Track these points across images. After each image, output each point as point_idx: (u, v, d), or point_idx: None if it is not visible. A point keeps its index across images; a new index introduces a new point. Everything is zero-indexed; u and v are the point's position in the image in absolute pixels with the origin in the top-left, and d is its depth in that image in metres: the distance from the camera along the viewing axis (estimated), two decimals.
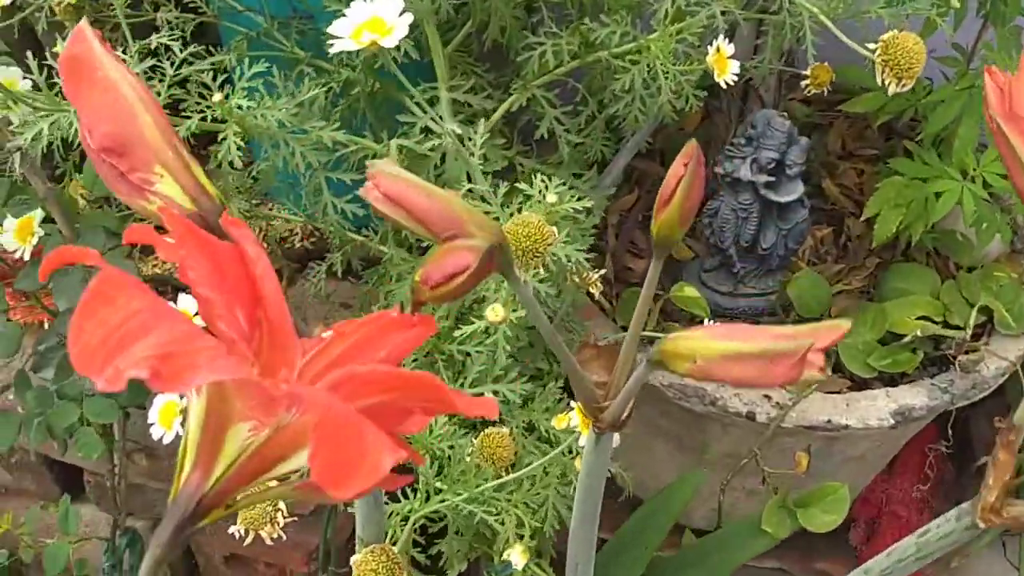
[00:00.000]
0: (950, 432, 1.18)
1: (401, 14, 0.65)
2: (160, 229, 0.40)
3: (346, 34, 0.66)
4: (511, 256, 0.49)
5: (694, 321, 1.16)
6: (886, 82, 0.70)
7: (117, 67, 0.42)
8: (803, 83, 1.01)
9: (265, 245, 1.22)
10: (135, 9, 1.00)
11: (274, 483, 0.37)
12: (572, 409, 0.73)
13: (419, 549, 0.76)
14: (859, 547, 1.38)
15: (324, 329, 0.49)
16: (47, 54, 0.82)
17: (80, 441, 0.89)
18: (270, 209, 1.15)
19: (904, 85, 0.70)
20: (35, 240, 0.92)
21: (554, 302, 0.87)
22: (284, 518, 0.69)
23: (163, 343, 0.32)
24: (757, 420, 1.08)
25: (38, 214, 0.91)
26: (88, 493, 1.19)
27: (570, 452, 0.80)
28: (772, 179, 1.07)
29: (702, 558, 1.04)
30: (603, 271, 0.88)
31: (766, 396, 1.09)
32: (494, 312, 0.68)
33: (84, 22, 0.43)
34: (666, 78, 0.87)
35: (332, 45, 0.67)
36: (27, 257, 0.92)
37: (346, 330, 0.43)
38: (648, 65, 0.88)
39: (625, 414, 0.57)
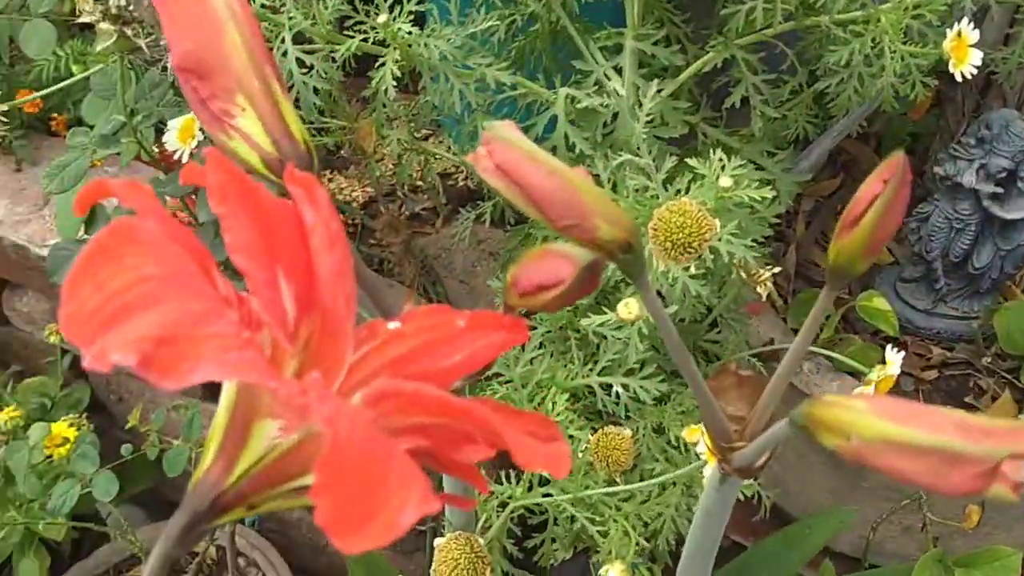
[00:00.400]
0: None
1: None
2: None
3: None
4: (643, 258, 0.40)
5: (877, 336, 1.02)
6: None
7: None
8: None
9: (425, 180, 1.17)
10: None
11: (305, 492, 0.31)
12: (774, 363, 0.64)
13: (513, 541, 0.70)
14: None
15: (409, 306, 0.42)
16: None
17: None
18: (436, 143, 1.10)
19: None
20: (195, 143, 0.90)
21: (712, 297, 0.77)
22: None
23: (166, 323, 0.26)
24: None
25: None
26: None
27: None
28: (1000, 191, 0.91)
29: None
30: (776, 269, 0.77)
31: None
32: (627, 309, 0.59)
33: None
34: (892, 57, 0.74)
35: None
36: (185, 159, 0.90)
37: (417, 324, 0.36)
38: (873, 40, 0.75)
39: (759, 463, 0.48)
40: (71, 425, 1.10)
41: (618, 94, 0.65)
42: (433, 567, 0.59)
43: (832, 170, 1.19)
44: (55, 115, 1.26)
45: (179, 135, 0.91)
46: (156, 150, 0.90)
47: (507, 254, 0.93)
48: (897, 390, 0.98)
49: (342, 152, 1.30)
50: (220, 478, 0.31)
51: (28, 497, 1.03)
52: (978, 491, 0.31)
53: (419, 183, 1.21)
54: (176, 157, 0.91)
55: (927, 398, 1.01)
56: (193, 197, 0.85)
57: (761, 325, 0.98)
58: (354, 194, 1.28)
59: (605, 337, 0.73)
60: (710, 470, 0.58)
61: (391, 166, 1.17)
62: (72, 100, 1.24)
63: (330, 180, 1.30)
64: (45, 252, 1.15)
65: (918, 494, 0.96)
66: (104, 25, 0.67)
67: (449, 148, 0.97)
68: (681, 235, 0.54)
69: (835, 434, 0.34)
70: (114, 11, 0.68)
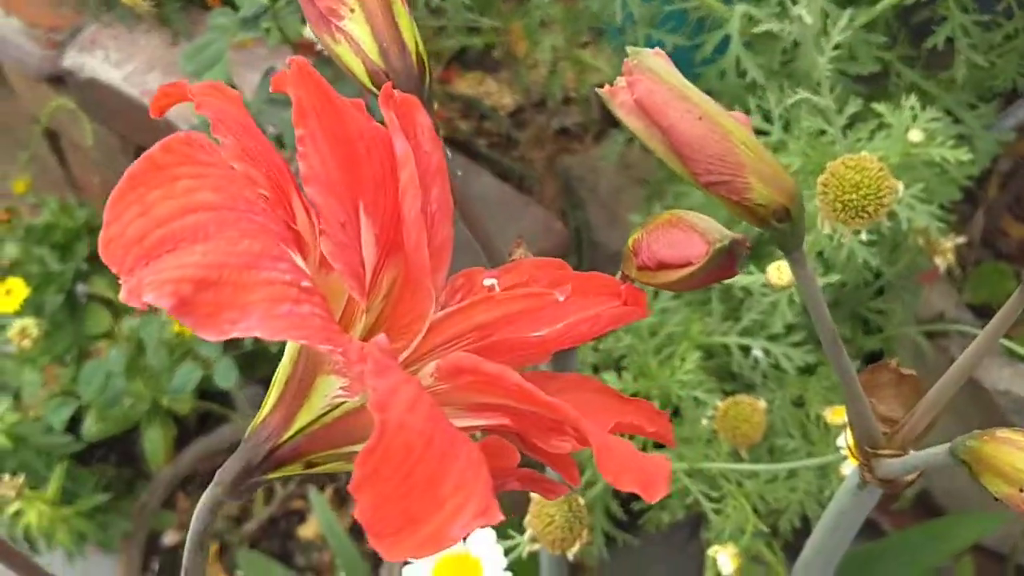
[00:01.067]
0: None
1: None
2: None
3: None
4: (801, 229, 0.33)
5: None
6: None
7: None
8: None
9: (578, 93, 1.10)
10: None
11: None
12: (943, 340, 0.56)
13: (620, 502, 0.65)
14: None
15: (516, 254, 0.36)
16: None
17: None
18: (594, 53, 1.02)
19: None
20: None
21: (884, 263, 0.68)
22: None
23: (212, 263, 0.21)
24: None
25: None
26: None
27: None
28: None
29: None
30: (961, 239, 0.67)
31: None
32: (779, 273, 0.51)
33: None
34: None
35: None
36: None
37: (517, 281, 0.30)
38: None
39: (908, 479, 0.40)
40: None
41: (803, 20, 0.56)
42: (527, 519, 0.55)
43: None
44: None
45: None
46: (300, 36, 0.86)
47: (655, 184, 0.85)
48: None
49: (495, 53, 1.23)
50: (277, 430, 0.27)
51: (156, 370, 1.06)
52: None
53: (572, 95, 1.13)
54: (317, 48, 0.88)
55: None
56: None
57: (932, 295, 0.87)
58: (503, 100, 1.21)
59: (751, 293, 0.65)
60: (849, 468, 0.51)
61: (544, 73, 1.10)
62: None
63: (480, 83, 1.24)
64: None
65: None
66: None
67: (608, 60, 0.89)
68: (855, 196, 0.46)
69: (1006, 482, 0.27)
70: None
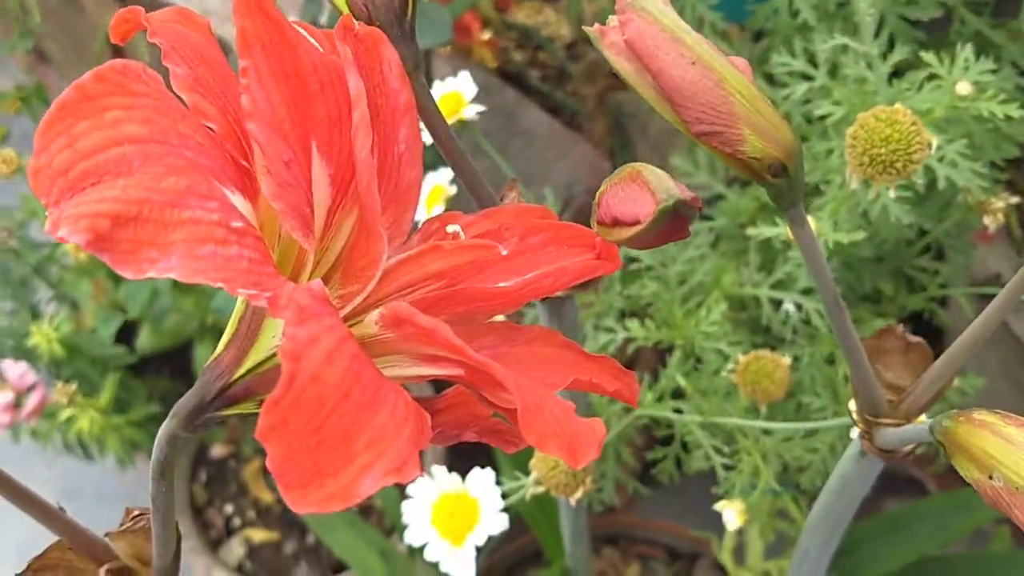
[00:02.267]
0: None
1: None
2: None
3: None
4: (799, 185, 0.31)
5: None
6: None
7: None
8: None
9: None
10: None
11: None
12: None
13: (633, 450, 0.64)
14: None
15: (509, 198, 0.35)
16: None
17: None
18: None
19: None
20: None
21: (929, 221, 0.65)
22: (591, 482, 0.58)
23: (134, 197, 0.21)
24: None
25: None
26: None
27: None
28: None
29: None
30: (1014, 200, 0.64)
31: None
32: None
33: None
34: None
35: None
36: None
37: (486, 229, 0.29)
38: None
39: (907, 450, 0.39)
40: None
41: None
42: (532, 461, 0.55)
43: None
44: None
45: None
46: None
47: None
48: None
49: None
50: (229, 368, 0.27)
51: (204, 287, 1.08)
52: None
53: None
54: None
55: None
56: None
57: (989, 256, 0.83)
58: (560, 31, 1.19)
59: (790, 246, 0.63)
60: (856, 433, 0.50)
61: (602, 4, 1.07)
62: None
63: (538, 12, 1.21)
64: None
65: None
66: None
67: None
68: (884, 150, 0.43)
69: (976, 466, 0.26)
70: None
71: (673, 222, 0.22)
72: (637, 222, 0.23)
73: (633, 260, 0.64)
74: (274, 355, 0.27)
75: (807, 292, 0.64)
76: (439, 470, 0.52)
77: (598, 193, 0.26)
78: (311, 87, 0.25)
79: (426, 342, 0.24)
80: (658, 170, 0.23)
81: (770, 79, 0.68)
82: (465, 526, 0.51)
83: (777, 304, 0.65)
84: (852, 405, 0.55)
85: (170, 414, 0.28)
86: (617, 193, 0.24)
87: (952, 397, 0.65)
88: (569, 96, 1.08)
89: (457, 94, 0.63)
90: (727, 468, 0.57)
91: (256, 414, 0.29)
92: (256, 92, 0.23)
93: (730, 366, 0.59)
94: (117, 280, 1.06)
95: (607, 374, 0.28)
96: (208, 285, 0.21)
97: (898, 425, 0.38)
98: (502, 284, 0.27)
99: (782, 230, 0.54)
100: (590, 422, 0.23)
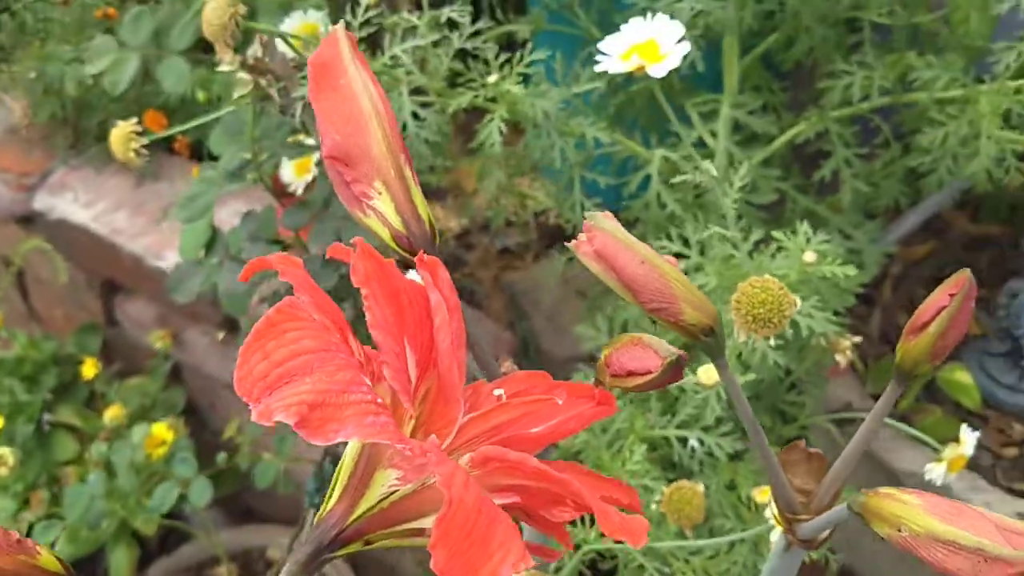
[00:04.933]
0: None
1: (679, 41, 0.60)
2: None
3: (616, 53, 0.61)
4: (723, 340, 0.43)
5: (960, 408, 1.02)
6: None
7: (361, 76, 0.41)
8: None
9: (517, 216, 1.22)
10: None
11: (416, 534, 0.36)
12: (849, 425, 0.66)
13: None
14: None
15: (505, 367, 0.46)
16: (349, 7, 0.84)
17: None
18: (532, 185, 1.14)
19: None
20: (309, 177, 0.96)
21: (792, 361, 0.79)
22: None
23: (318, 390, 0.30)
24: None
25: (315, 156, 0.95)
26: None
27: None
28: None
29: None
30: (857, 339, 0.79)
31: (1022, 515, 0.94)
32: (707, 375, 0.62)
33: (340, 25, 0.42)
34: (988, 140, 0.75)
35: (599, 62, 0.63)
36: (299, 192, 0.96)
37: (519, 389, 0.40)
38: (970, 121, 0.76)
39: (823, 536, 0.50)
40: (169, 427, 1.17)
41: (711, 172, 0.68)
42: None
43: (924, 235, 1.20)
44: (179, 136, 1.35)
45: (295, 170, 0.98)
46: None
47: (594, 298, 0.96)
48: (975, 465, 0.98)
49: (440, 183, 1.35)
50: (343, 517, 0.35)
51: (127, 491, 1.10)
52: None
53: (512, 219, 1.25)
54: (291, 189, 0.98)
55: (1005, 475, 1.00)
56: (305, 230, 0.91)
57: (839, 388, 0.99)
58: (450, 224, 1.33)
59: (684, 391, 0.76)
60: (777, 535, 0.61)
61: (487, 199, 1.22)
62: (199, 127, 1.32)
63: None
64: (159, 264, 1.24)
65: None
66: (241, 75, 0.74)
67: (545, 191, 1.01)
68: (762, 310, 0.57)
69: (887, 524, 0.37)
70: (251, 62, 0.74)
71: (675, 370, 0.34)
72: (649, 372, 0.34)
73: None
74: (380, 501, 0.36)
75: (706, 429, 0.76)
76: None
77: (604, 355, 0.37)
78: (403, 302, 0.35)
79: (508, 474, 0.34)
80: (653, 337, 0.35)
81: None
82: None
83: (684, 442, 0.77)
84: (769, 511, 0.66)
85: (288, 563, 0.36)
86: (625, 354, 0.35)
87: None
88: (466, 278, 1.21)
89: None
90: (665, 575, 0.67)
91: (358, 552, 0.37)
92: (375, 310, 0.34)
93: (657, 498, 0.70)
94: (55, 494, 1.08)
95: (621, 491, 0.38)
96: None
97: (811, 519, 0.49)
98: (535, 430, 0.38)
99: (687, 379, 0.67)
100: (637, 518, 0.33)
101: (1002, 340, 1.03)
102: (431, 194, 1.38)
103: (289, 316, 0.32)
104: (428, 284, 0.36)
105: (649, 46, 0.61)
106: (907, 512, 0.36)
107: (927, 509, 0.36)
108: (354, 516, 0.36)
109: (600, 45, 0.64)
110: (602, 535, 0.70)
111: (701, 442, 0.75)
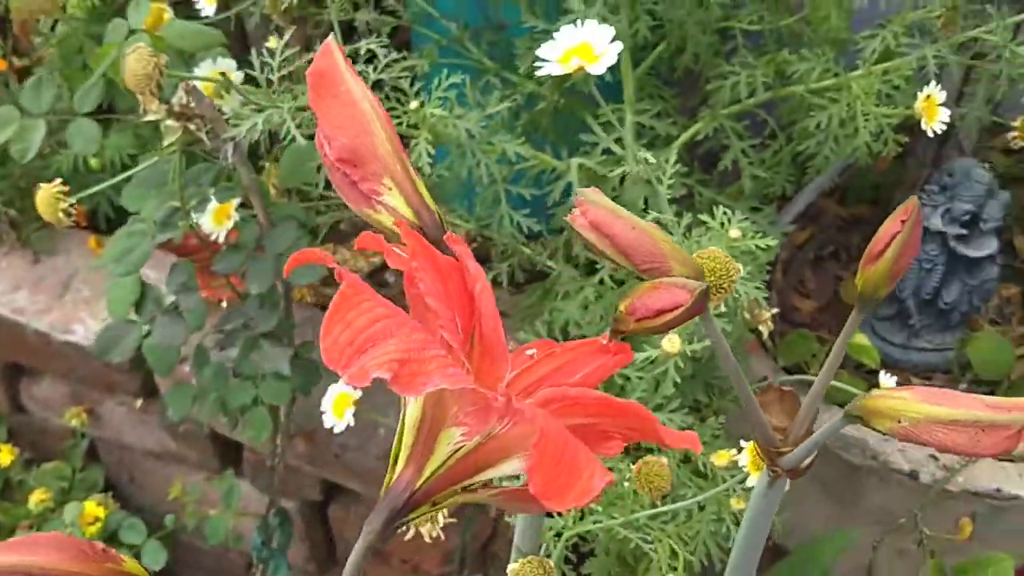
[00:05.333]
0: None
1: (612, 41, 0.66)
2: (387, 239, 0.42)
3: (554, 58, 0.67)
4: (708, 292, 0.48)
5: (860, 370, 1.12)
6: None
7: (358, 82, 0.44)
8: (1010, 135, 0.96)
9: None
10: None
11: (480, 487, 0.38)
12: (741, 449, 0.72)
13: (570, 566, 0.76)
14: None
15: (528, 346, 0.49)
16: (255, 51, 0.86)
17: (251, 420, 0.93)
18: (445, 211, 1.17)
19: None
20: (230, 224, 0.97)
21: (727, 337, 0.86)
22: (444, 518, 0.71)
23: (402, 349, 0.33)
24: (920, 480, 1.03)
25: (235, 201, 0.96)
26: (244, 470, 1.24)
27: (727, 490, 0.79)
28: (964, 232, 1.02)
29: None
30: (775, 311, 0.86)
31: (932, 456, 1.04)
32: (671, 343, 0.67)
33: (332, 38, 0.45)
34: (865, 119, 0.84)
35: (539, 68, 0.68)
36: (221, 239, 0.97)
37: (552, 351, 0.44)
38: (847, 104, 0.85)
39: (807, 463, 0.56)
40: (98, 504, 1.14)
41: (638, 161, 0.74)
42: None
43: (802, 222, 1.30)
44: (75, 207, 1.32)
45: (214, 219, 0.98)
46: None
47: (524, 311, 1.01)
48: None
49: (341, 226, 1.37)
50: (412, 480, 0.38)
51: None
52: (1008, 450, 0.39)
53: None
54: (212, 238, 0.98)
55: None
56: (240, 276, 0.92)
57: (755, 363, 1.06)
58: (359, 264, 1.35)
59: (629, 379, 0.81)
60: (755, 480, 0.66)
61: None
62: (93, 194, 1.30)
63: (334, 252, 1.37)
64: (68, 338, 1.21)
65: (913, 514, 1.05)
66: (170, 122, 0.75)
67: (464, 218, 1.05)
68: (714, 278, 0.62)
69: (887, 419, 0.42)
70: (178, 109, 0.76)
71: (703, 300, 0.38)
72: (679, 305, 0.38)
73: None
74: (447, 460, 0.38)
75: (658, 408, 0.81)
76: None
77: (623, 307, 0.41)
78: (445, 274, 0.39)
79: (568, 411, 0.37)
80: (675, 278, 0.39)
81: None
82: None
83: None
84: (744, 457, 0.72)
85: (364, 532, 0.38)
86: (650, 297, 0.39)
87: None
88: None
89: None
90: (647, 542, 0.71)
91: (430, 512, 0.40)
92: (427, 281, 0.37)
93: (628, 476, 0.74)
94: None
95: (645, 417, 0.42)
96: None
97: (791, 451, 0.54)
98: (572, 379, 0.42)
99: (649, 353, 0.72)
100: (687, 431, 0.37)
101: (889, 304, 1.13)
102: (329, 238, 1.40)
103: (359, 290, 0.35)
104: (464, 255, 0.39)
105: (583, 48, 0.66)
106: (904, 405, 0.42)
107: (921, 399, 0.42)
108: (422, 479, 0.39)
109: (538, 52, 0.70)
110: (580, 519, 0.74)
111: None
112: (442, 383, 0.33)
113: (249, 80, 0.83)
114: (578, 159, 0.88)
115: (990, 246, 1.02)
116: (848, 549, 1.04)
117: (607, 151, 0.90)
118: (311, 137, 0.85)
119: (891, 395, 0.43)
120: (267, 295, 0.85)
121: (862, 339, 1.06)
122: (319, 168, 0.90)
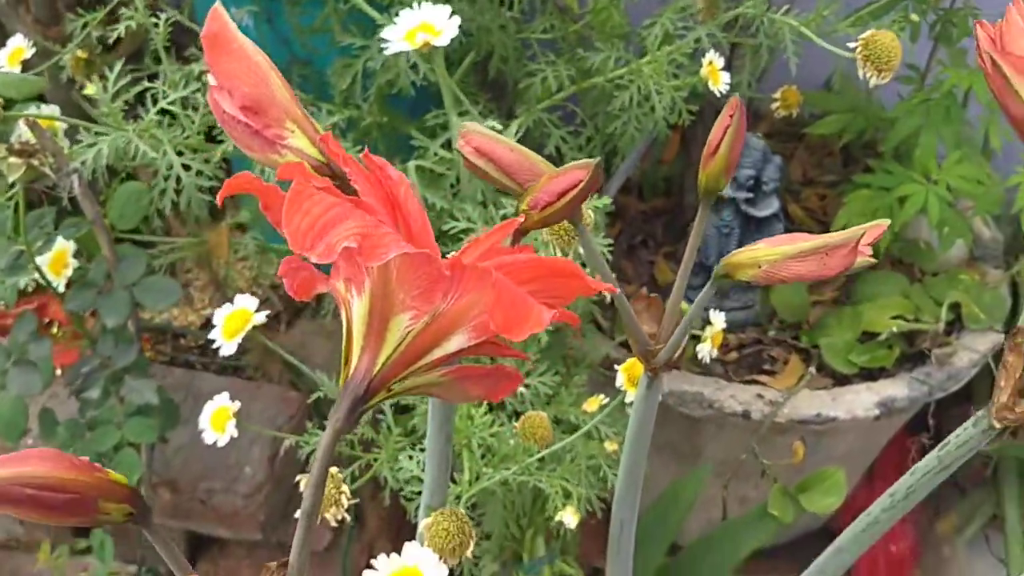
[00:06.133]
0: (931, 422, 1.25)
1: (450, 16, 0.73)
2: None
3: (398, 37, 0.72)
4: (583, 208, 0.56)
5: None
6: (867, 75, 0.80)
7: (247, 40, 0.49)
8: (773, 105, 1.11)
9: (258, 288, 1.27)
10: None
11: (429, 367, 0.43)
12: (615, 370, 0.79)
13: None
14: None
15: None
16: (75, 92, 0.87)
17: (120, 464, 0.91)
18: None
19: (884, 78, 0.79)
20: (69, 272, 0.95)
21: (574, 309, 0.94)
22: (348, 500, 0.73)
23: (359, 227, 0.38)
24: (752, 418, 1.15)
25: (70, 247, 0.95)
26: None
27: (600, 437, 0.86)
28: (751, 195, 1.16)
29: (712, 548, 1.09)
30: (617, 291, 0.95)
31: (759, 395, 1.16)
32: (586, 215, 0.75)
33: (218, 3, 0.49)
34: (659, 95, 0.96)
35: (385, 49, 0.74)
36: (62, 289, 0.95)
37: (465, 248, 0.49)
38: (640, 86, 0.97)
39: (677, 354, 0.63)
40: None
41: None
42: (427, 542, 0.69)
43: (611, 219, 1.42)
44: None
45: (51, 268, 0.96)
46: None
47: None
48: (711, 372, 1.19)
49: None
50: (369, 368, 0.42)
51: None
52: (849, 265, 0.49)
53: (255, 290, 1.29)
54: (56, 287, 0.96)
55: (735, 373, 1.22)
56: (90, 315, 0.91)
57: (601, 345, 1.15)
58: (190, 318, 1.33)
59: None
60: (631, 396, 0.73)
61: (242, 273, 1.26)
62: None
63: (161, 312, 1.35)
64: None
65: (752, 447, 1.16)
66: (12, 159, 0.75)
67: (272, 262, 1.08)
68: (552, 237, 0.70)
69: (749, 268, 0.51)
70: (18, 146, 0.76)
71: (598, 174, 0.45)
72: (580, 181, 0.45)
73: None
74: (398, 345, 0.43)
75: (528, 374, 0.87)
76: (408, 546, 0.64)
77: (527, 202, 0.47)
78: (371, 181, 0.44)
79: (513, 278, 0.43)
80: (566, 165, 0.46)
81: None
82: None
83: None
84: (619, 381, 0.79)
85: (330, 422, 0.42)
86: (549, 185, 0.46)
87: None
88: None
89: None
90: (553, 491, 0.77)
91: (386, 400, 0.44)
92: (361, 183, 0.42)
93: (511, 435, 0.80)
94: None
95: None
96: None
97: (662, 348, 0.62)
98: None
99: None
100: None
101: (696, 274, 1.26)
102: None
103: (308, 184, 0.39)
104: (385, 164, 0.44)
105: (426, 27, 0.73)
106: (759, 253, 0.50)
107: (771, 244, 0.50)
108: (378, 366, 0.43)
109: (383, 34, 0.75)
110: (476, 479, 0.79)
111: (527, 387, 0.87)
112: (403, 250, 0.38)
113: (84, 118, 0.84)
114: (414, 162, 0.94)
115: (773, 205, 1.17)
116: (703, 485, 1.13)
117: (439, 153, 0.97)
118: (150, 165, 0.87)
119: (747, 250, 0.51)
120: (120, 331, 0.85)
121: (686, 307, 1.18)
122: (151, 203, 0.91)
